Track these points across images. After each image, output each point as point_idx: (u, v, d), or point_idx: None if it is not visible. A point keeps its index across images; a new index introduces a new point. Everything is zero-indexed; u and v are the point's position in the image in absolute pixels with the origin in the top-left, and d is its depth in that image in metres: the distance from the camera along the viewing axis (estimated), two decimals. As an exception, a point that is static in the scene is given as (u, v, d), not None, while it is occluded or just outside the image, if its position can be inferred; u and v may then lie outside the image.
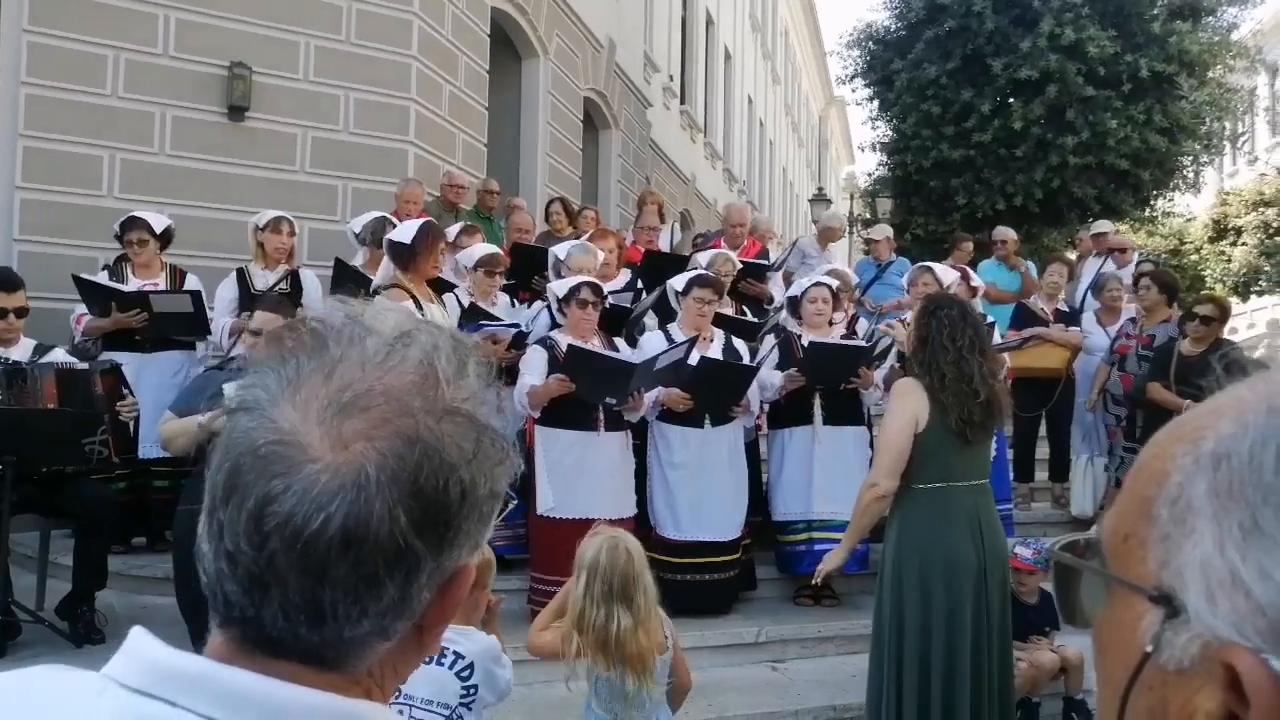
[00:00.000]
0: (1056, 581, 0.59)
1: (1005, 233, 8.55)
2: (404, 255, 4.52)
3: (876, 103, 17.45)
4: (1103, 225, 8.92)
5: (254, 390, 0.65)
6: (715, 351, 5.13)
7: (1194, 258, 20.93)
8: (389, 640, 0.67)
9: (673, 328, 5.25)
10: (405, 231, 4.66)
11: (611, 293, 5.56)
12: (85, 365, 4.48)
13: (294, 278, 5.63)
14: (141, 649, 0.65)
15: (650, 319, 5.82)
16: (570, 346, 4.57)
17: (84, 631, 4.26)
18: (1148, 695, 0.48)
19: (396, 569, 0.63)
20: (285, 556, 0.61)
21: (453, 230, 6.19)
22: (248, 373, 0.68)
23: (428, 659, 2.73)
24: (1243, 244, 19.72)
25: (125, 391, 4.43)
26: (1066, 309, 7.14)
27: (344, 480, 0.61)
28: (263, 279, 5.54)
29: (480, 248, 5.60)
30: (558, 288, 4.97)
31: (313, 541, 0.60)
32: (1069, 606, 0.57)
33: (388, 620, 0.65)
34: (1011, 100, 15.09)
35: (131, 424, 4.44)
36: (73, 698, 0.64)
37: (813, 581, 4.21)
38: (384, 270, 4.66)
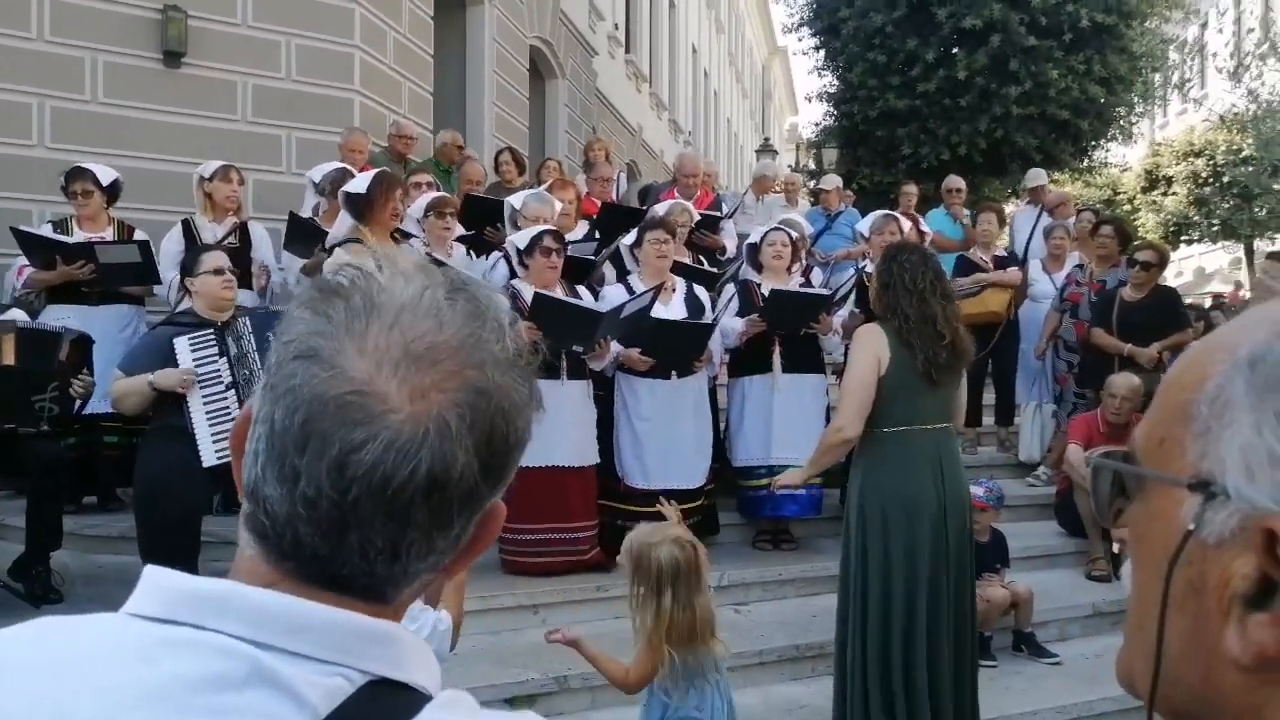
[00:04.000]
0: (1093, 486, 0.65)
1: (955, 182, 8.65)
2: (360, 206, 4.44)
3: (822, 52, 17.42)
4: (1037, 177, 8.92)
5: (313, 339, 0.65)
6: (678, 300, 5.15)
7: (1127, 208, 21.45)
8: (436, 574, 0.71)
9: (632, 279, 5.26)
10: (360, 183, 4.57)
11: (572, 242, 5.53)
12: (59, 329, 4.34)
13: (243, 230, 5.49)
14: (161, 581, 0.66)
15: (608, 269, 5.81)
16: (537, 295, 4.54)
17: (41, 592, 4.17)
18: (1187, 569, 0.55)
19: (465, 509, 0.68)
20: (371, 502, 0.64)
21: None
22: (289, 314, 0.69)
23: None
24: (1173, 194, 20.25)
25: (86, 370, 4.30)
26: (1005, 254, 7.27)
27: (427, 429, 0.64)
28: (210, 231, 5.39)
29: (426, 195, 5.53)
30: (518, 239, 4.93)
31: (401, 488, 0.64)
32: (1105, 508, 0.64)
33: (444, 556, 0.70)
34: (956, 50, 15.19)
35: (78, 402, 4.32)
36: (98, 636, 0.65)
37: (768, 486, 4.21)
38: (340, 224, 4.56)
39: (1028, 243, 7.98)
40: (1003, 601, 4.66)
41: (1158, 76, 16.75)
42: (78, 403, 4.31)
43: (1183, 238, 20.69)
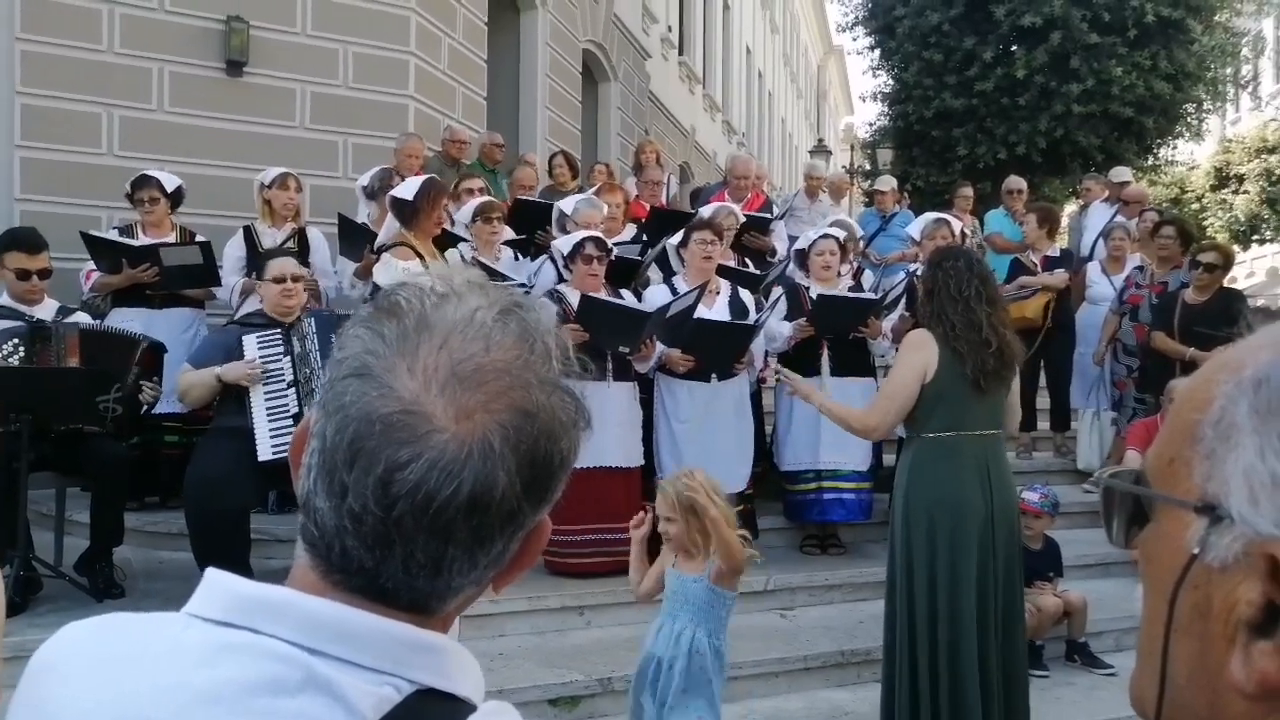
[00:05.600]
0: (1104, 508, 0.64)
1: (1016, 183, 8.48)
2: (406, 212, 4.52)
3: (878, 51, 17.26)
4: (1124, 173, 8.82)
5: (366, 357, 0.67)
6: (722, 302, 5.14)
7: (1195, 206, 20.84)
8: (480, 588, 0.73)
9: (676, 280, 5.26)
10: (408, 188, 4.65)
11: (619, 244, 5.56)
12: (136, 335, 4.48)
13: (301, 235, 5.63)
14: (221, 584, 0.69)
15: (655, 273, 5.83)
16: (583, 296, 4.58)
17: (104, 586, 4.31)
18: (1193, 593, 0.54)
19: (507, 527, 0.69)
20: (414, 519, 0.65)
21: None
22: (347, 331, 0.71)
23: None
24: (1244, 192, 19.62)
25: (156, 378, 4.43)
26: (1057, 253, 7.02)
27: (470, 450, 0.65)
28: (270, 237, 5.54)
29: (474, 200, 5.60)
30: (562, 244, 4.97)
31: (444, 507, 0.65)
32: (1115, 528, 0.63)
33: (488, 571, 0.71)
34: (1015, 48, 14.91)
35: (145, 407, 4.45)
36: (160, 636, 0.67)
37: (773, 368, 4.04)
38: (388, 228, 4.65)
39: (1095, 241, 7.75)
40: (1055, 610, 4.57)
41: (1227, 72, 16.23)
42: (144, 407, 4.45)
43: (1254, 237, 20.03)
